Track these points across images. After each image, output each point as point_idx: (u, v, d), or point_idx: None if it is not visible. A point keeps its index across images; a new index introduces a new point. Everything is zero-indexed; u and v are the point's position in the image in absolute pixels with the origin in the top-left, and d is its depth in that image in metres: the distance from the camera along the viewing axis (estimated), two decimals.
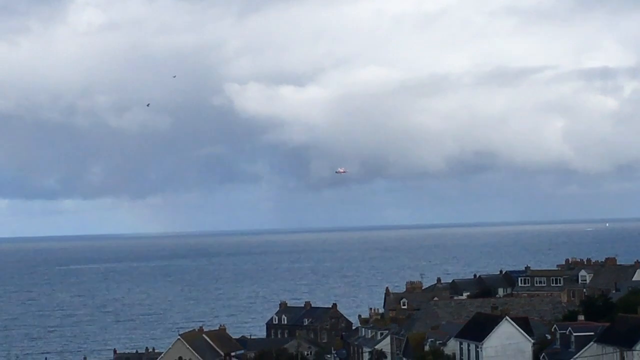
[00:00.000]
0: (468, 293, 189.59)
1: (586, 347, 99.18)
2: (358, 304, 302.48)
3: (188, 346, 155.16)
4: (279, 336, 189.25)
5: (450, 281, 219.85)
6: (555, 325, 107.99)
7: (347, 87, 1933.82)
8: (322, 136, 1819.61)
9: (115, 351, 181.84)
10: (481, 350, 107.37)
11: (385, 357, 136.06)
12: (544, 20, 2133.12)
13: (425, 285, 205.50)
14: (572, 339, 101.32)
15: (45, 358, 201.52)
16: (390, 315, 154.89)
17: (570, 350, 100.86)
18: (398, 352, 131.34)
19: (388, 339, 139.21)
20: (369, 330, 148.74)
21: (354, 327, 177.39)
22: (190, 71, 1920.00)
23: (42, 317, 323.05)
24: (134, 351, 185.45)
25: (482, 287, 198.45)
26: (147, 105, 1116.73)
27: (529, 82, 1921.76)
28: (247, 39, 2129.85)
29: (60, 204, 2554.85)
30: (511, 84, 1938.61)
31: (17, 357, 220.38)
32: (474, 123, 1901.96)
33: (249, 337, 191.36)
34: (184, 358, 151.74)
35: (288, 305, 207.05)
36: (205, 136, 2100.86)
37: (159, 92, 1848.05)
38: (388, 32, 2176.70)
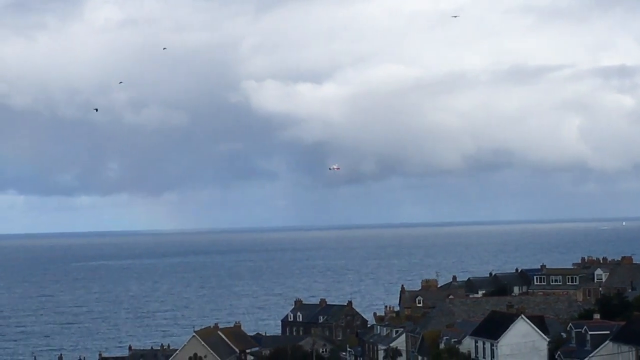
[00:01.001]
0: (484, 291, 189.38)
1: (602, 346, 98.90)
2: (373, 301, 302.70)
3: (203, 343, 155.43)
4: (294, 333, 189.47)
5: (466, 279, 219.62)
6: (570, 324, 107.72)
7: (363, 85, 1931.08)
8: (339, 133, 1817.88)
9: (130, 347, 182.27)
10: (496, 349, 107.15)
11: (401, 354, 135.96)
12: (560, 18, 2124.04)
13: (441, 283, 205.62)
14: (588, 337, 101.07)
15: (61, 354, 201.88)
16: (406, 313, 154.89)
17: (585, 348, 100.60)
18: (413, 350, 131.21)
19: (403, 336, 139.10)
20: (385, 328, 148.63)
21: (369, 325, 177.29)
22: (207, 68, 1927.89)
23: (57, 314, 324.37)
24: (149, 347, 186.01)
25: (498, 285, 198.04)
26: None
27: (546, 80, 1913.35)
28: (264, 37, 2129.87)
29: (77, 200, 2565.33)
30: (528, 82, 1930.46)
31: (33, 353, 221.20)
32: (491, 121, 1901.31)
33: (264, 334, 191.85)
34: (199, 355, 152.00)
35: (303, 302, 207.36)
36: (221, 133, 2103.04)
37: (176, 89, 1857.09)
38: (404, 30, 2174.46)
